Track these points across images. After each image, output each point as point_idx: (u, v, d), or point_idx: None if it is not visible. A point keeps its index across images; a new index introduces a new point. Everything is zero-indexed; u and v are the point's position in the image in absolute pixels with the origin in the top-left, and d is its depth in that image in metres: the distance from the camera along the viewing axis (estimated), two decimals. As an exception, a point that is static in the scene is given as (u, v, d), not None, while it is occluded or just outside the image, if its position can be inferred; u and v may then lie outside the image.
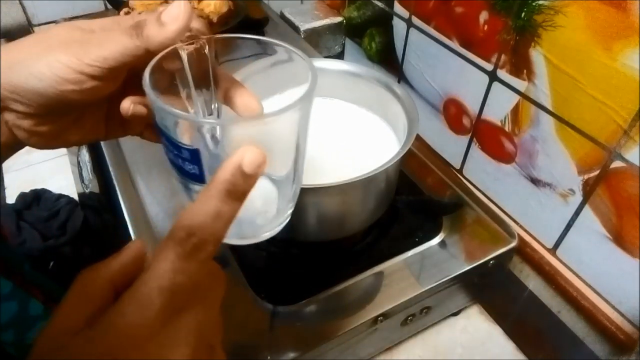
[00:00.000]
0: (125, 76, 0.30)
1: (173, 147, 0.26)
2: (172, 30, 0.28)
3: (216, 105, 0.32)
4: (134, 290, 0.22)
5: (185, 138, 0.26)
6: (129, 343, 0.21)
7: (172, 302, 0.22)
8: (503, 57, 0.54)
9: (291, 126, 0.27)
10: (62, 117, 0.31)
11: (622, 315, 0.49)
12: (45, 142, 0.31)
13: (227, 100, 0.33)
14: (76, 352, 0.21)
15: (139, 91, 0.30)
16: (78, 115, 0.32)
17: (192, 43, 0.29)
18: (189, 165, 0.26)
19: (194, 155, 0.26)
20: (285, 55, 0.31)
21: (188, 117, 0.27)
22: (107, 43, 0.28)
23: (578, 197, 0.50)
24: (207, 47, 0.30)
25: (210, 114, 0.32)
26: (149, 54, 0.28)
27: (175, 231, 0.23)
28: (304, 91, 0.28)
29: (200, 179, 0.27)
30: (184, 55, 0.29)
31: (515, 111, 0.54)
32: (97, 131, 0.34)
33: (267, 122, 0.25)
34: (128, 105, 0.31)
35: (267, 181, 0.30)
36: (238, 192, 0.24)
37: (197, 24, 0.30)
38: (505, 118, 0.56)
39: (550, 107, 0.50)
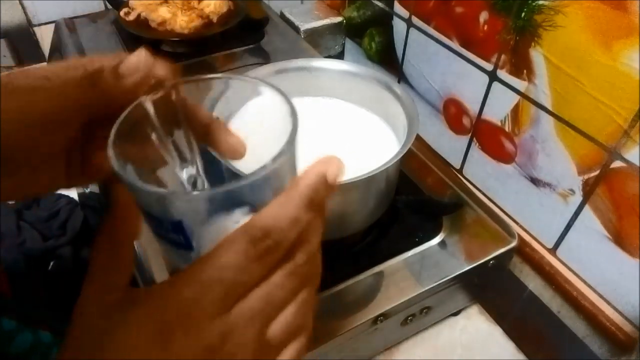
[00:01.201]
0: (83, 123, 0.28)
1: (152, 219, 0.24)
2: (131, 83, 0.26)
3: (194, 148, 0.29)
4: (195, 272, 0.22)
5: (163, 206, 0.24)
6: (185, 319, 0.21)
7: (229, 296, 0.22)
8: (503, 57, 0.54)
9: (276, 174, 0.25)
10: (17, 171, 0.28)
11: (622, 315, 0.49)
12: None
13: (208, 141, 0.30)
14: (132, 314, 0.22)
15: (101, 137, 0.28)
16: (33, 168, 0.29)
17: (158, 92, 0.27)
18: (172, 235, 0.24)
19: (177, 226, 0.24)
20: (260, 90, 0.29)
21: (168, 195, 0.24)
22: (58, 95, 0.26)
23: (578, 197, 0.50)
24: (174, 93, 0.27)
25: (186, 160, 0.29)
26: (106, 105, 0.27)
27: (251, 228, 0.23)
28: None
29: (187, 246, 0.25)
30: (149, 107, 0.26)
31: (515, 111, 0.54)
32: (57, 182, 0.31)
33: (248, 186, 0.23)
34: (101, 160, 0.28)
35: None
36: (319, 201, 0.24)
37: (161, 70, 0.28)
38: (505, 118, 0.56)
39: (550, 107, 0.50)
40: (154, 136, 0.27)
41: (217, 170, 0.31)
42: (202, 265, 0.22)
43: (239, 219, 0.24)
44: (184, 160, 0.29)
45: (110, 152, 0.24)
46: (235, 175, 0.35)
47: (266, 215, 0.23)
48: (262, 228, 0.22)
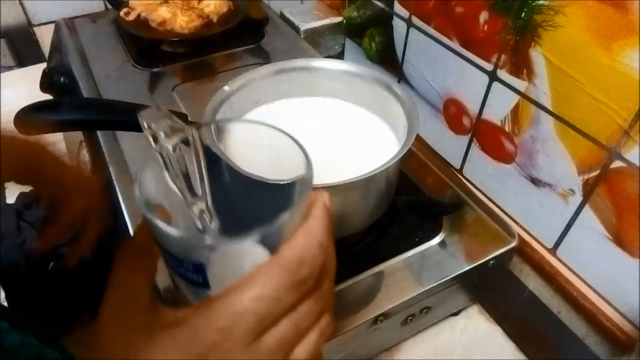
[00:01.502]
0: None
1: (172, 259, 0.25)
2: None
3: (204, 182, 0.30)
4: (229, 302, 0.23)
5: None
6: (218, 348, 0.22)
7: (261, 325, 0.23)
8: (503, 57, 0.54)
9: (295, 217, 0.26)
10: None
11: (622, 315, 0.49)
12: None
13: None
14: (165, 338, 0.23)
15: None
16: None
17: (177, 135, 0.27)
18: (192, 274, 0.25)
19: (198, 268, 0.24)
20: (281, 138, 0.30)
21: (200, 242, 0.25)
22: None
23: (578, 197, 0.50)
24: (192, 132, 0.28)
25: (196, 195, 0.30)
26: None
27: (285, 259, 0.23)
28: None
29: (204, 285, 0.25)
30: (169, 149, 0.27)
31: (515, 111, 0.54)
32: None
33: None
34: None
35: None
36: (332, 225, 0.26)
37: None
38: (505, 118, 0.56)
39: (550, 107, 0.50)
40: (167, 175, 0.28)
41: (221, 195, 0.32)
42: (236, 295, 0.23)
43: (257, 256, 0.24)
44: (194, 195, 0.29)
45: (138, 193, 0.24)
46: (238, 176, 0.35)
47: (297, 246, 0.24)
48: (295, 259, 0.23)
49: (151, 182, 0.27)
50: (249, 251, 0.24)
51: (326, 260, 0.25)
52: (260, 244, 0.24)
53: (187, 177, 0.28)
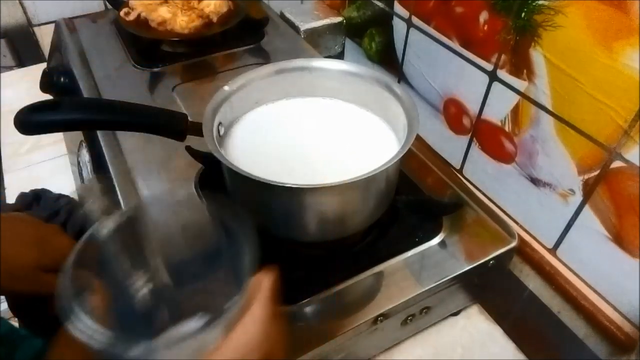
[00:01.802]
0: None
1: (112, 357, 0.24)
2: None
3: (149, 256, 0.30)
4: None
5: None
6: None
7: None
8: (503, 57, 0.54)
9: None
10: None
11: (622, 315, 0.49)
12: None
13: None
14: None
15: None
16: None
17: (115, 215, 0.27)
18: None
19: None
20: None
21: (122, 352, 0.23)
22: None
23: (578, 197, 0.50)
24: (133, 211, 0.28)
25: (138, 269, 0.29)
26: None
27: (227, 355, 0.23)
28: None
29: None
30: (104, 228, 0.27)
31: (515, 111, 0.54)
32: None
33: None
34: None
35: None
36: (276, 313, 0.25)
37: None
38: (505, 118, 0.56)
39: (550, 107, 0.50)
40: (106, 250, 0.27)
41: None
42: None
43: (204, 340, 0.24)
44: (136, 270, 0.29)
45: (63, 286, 0.23)
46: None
47: (240, 338, 0.23)
48: (238, 353, 0.23)
49: (92, 259, 0.26)
50: (193, 339, 0.23)
51: (272, 348, 0.25)
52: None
53: (126, 253, 0.28)
